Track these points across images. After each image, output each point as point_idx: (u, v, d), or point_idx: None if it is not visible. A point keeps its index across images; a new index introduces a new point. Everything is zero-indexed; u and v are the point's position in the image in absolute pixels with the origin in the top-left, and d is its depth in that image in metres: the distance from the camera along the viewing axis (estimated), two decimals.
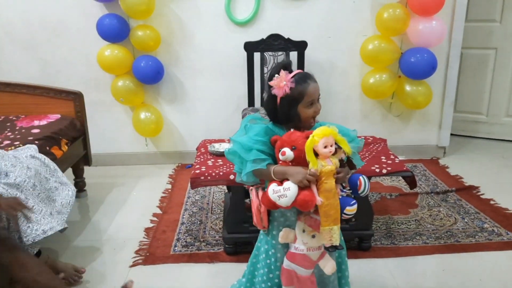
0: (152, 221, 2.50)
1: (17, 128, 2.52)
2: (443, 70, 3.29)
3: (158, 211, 2.63)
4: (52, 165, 2.13)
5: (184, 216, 2.54)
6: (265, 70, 3.05)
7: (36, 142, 2.27)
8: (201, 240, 2.27)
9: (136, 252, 2.18)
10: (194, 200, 2.76)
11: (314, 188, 1.29)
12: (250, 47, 3.00)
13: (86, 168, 2.91)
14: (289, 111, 1.36)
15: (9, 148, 2.18)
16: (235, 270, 1.94)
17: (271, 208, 1.37)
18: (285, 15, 3.13)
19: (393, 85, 3.14)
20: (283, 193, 1.28)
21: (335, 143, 1.30)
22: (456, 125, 3.69)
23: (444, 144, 3.48)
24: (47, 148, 2.30)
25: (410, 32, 3.02)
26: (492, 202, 2.65)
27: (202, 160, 2.17)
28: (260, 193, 1.41)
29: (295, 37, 3.00)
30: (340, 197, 1.34)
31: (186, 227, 2.42)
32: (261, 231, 1.51)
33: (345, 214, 1.34)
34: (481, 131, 3.88)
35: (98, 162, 3.28)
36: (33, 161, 2.03)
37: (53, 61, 3.20)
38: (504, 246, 2.18)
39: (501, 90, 3.70)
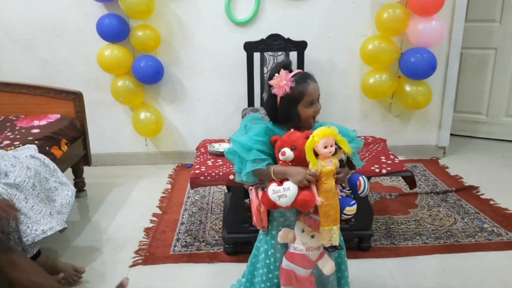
0: (152, 221, 2.50)
1: (17, 128, 2.52)
2: (443, 70, 3.29)
3: (158, 211, 2.63)
4: (52, 165, 2.13)
5: (184, 216, 2.55)
6: (265, 70, 3.05)
7: (36, 142, 2.27)
8: (201, 240, 2.27)
9: (136, 252, 2.18)
10: (194, 200, 2.76)
11: (314, 188, 1.29)
12: (250, 47, 3.00)
13: (86, 168, 2.91)
14: (289, 110, 1.36)
15: (9, 148, 2.18)
16: (235, 270, 1.94)
17: (271, 208, 1.37)
18: (285, 15, 3.13)
19: (393, 85, 3.14)
20: (283, 193, 1.28)
21: (335, 144, 1.30)
22: (456, 125, 3.69)
23: (444, 144, 3.48)
24: (47, 148, 2.30)
25: (410, 32, 3.02)
26: (491, 202, 2.65)
27: (202, 160, 2.17)
28: (260, 193, 1.41)
29: (295, 37, 3.00)
30: (340, 197, 1.34)
31: (186, 227, 2.42)
32: (261, 231, 1.51)
33: (344, 214, 1.34)
34: (481, 131, 3.88)
35: (98, 162, 3.28)
36: (33, 161, 2.03)
37: (53, 61, 3.20)
38: (503, 246, 2.18)
39: (501, 90, 3.70)
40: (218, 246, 2.21)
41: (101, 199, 2.80)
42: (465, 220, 2.43)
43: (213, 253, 2.15)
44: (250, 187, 1.46)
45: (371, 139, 2.44)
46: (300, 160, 1.30)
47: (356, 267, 1.98)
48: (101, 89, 3.24)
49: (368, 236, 2.12)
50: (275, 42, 2.99)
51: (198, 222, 2.47)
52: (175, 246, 2.23)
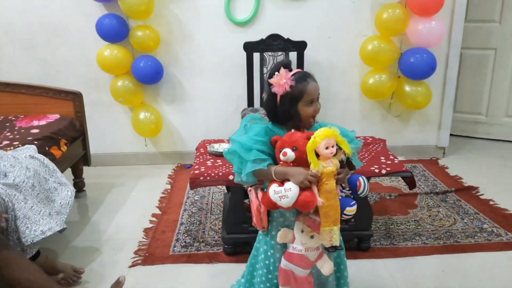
0: (151, 221, 2.50)
1: (16, 128, 2.52)
2: (443, 71, 3.29)
3: (158, 211, 2.63)
4: (51, 165, 2.13)
5: (184, 217, 2.54)
6: (265, 70, 3.05)
7: (35, 142, 2.27)
8: (200, 240, 2.27)
9: (135, 252, 2.18)
10: (193, 200, 2.76)
11: (315, 189, 1.29)
12: (250, 47, 3.00)
13: (85, 168, 2.91)
14: (289, 109, 1.36)
15: (8, 148, 2.17)
16: (234, 271, 1.94)
17: (271, 208, 1.37)
18: (285, 15, 3.13)
19: (393, 85, 3.14)
20: (285, 193, 1.28)
21: (336, 144, 1.30)
22: (455, 126, 3.69)
23: (444, 145, 3.48)
24: (46, 148, 2.30)
25: (409, 33, 3.02)
26: (491, 203, 2.65)
27: (201, 160, 2.17)
28: (260, 193, 1.41)
29: (295, 37, 3.00)
30: (340, 197, 1.34)
31: (186, 227, 2.42)
32: (260, 232, 1.51)
33: (345, 214, 1.34)
34: (480, 132, 3.88)
35: (97, 162, 3.28)
36: (32, 162, 2.02)
37: (53, 61, 3.19)
38: (503, 246, 2.18)
39: (501, 91, 3.71)
40: (217, 246, 2.20)
41: (101, 200, 2.80)
42: (465, 221, 2.43)
43: (213, 254, 2.15)
44: (249, 188, 1.46)
45: (370, 139, 2.44)
46: (301, 161, 1.30)
47: (356, 268, 1.98)
48: (100, 89, 3.23)
49: (367, 236, 2.12)
50: (274, 42, 2.99)
51: (198, 223, 2.47)
52: (174, 246, 2.22)
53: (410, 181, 2.09)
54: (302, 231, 1.37)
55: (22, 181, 1.81)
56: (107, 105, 3.27)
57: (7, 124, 2.59)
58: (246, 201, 2.08)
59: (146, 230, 2.40)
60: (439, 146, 3.49)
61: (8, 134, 2.42)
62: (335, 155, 1.30)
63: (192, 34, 3.16)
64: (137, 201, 2.80)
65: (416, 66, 3.00)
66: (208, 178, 1.97)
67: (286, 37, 2.98)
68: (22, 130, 2.47)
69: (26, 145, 2.22)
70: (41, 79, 3.06)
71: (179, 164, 3.41)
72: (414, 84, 3.11)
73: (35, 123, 2.58)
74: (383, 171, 2.01)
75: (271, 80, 1.36)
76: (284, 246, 1.44)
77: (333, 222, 1.30)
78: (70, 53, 3.17)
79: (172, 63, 3.22)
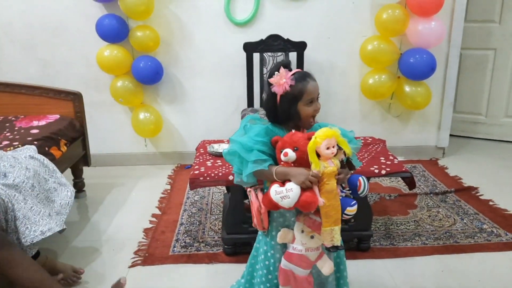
0: (151, 221, 2.50)
1: (16, 128, 2.52)
2: (442, 71, 3.29)
3: (157, 211, 2.63)
4: (51, 165, 2.13)
5: (183, 217, 2.54)
6: (265, 70, 3.05)
7: (35, 142, 2.27)
8: (200, 240, 2.27)
9: (135, 252, 2.18)
10: (193, 200, 2.76)
11: (316, 189, 1.29)
12: (250, 48, 3.00)
13: (85, 168, 2.91)
14: (289, 109, 1.36)
15: (8, 149, 2.17)
16: (234, 271, 1.94)
17: (272, 209, 1.37)
18: (285, 16, 3.13)
19: (392, 85, 3.14)
20: (286, 194, 1.28)
21: (336, 144, 1.30)
22: (455, 126, 3.69)
23: (443, 145, 3.48)
24: (46, 148, 2.30)
25: (409, 33, 3.03)
26: (491, 203, 2.65)
27: (201, 160, 2.17)
28: (260, 194, 1.41)
29: (295, 38, 3.00)
30: (340, 197, 1.34)
31: (185, 227, 2.42)
32: (260, 232, 1.51)
33: (345, 214, 1.34)
34: (480, 132, 3.88)
35: (97, 163, 3.27)
36: (32, 162, 2.02)
37: (53, 62, 3.20)
38: (503, 247, 2.18)
39: (500, 91, 3.71)
40: (217, 246, 2.20)
41: (101, 200, 2.80)
42: (465, 221, 2.43)
43: (213, 254, 2.15)
44: (249, 189, 1.46)
45: (370, 139, 2.44)
46: (302, 161, 1.30)
47: (355, 268, 1.98)
48: (100, 90, 3.23)
49: (367, 236, 2.12)
50: (274, 43, 2.99)
51: (198, 223, 2.47)
52: (174, 246, 2.22)
53: (410, 182, 2.09)
54: (302, 231, 1.38)
55: (22, 182, 1.81)
56: (107, 105, 3.27)
57: (7, 124, 2.59)
58: (246, 201, 2.08)
59: (146, 230, 2.40)
60: (438, 147, 3.49)
61: (8, 134, 2.42)
62: (335, 155, 1.31)
63: (192, 34, 3.16)
64: (137, 201, 2.80)
65: (416, 67, 3.00)
66: (208, 178, 1.97)
67: (286, 38, 2.99)
68: (22, 131, 2.47)
69: (26, 146, 2.21)
70: (41, 80, 3.06)
71: (179, 165, 3.41)
72: (414, 85, 3.11)
73: (35, 123, 2.58)
74: (383, 172, 2.01)
75: (271, 80, 1.36)
76: (284, 246, 1.44)
77: (334, 222, 1.31)
78: (70, 54, 3.17)
79: (172, 64, 3.22)
